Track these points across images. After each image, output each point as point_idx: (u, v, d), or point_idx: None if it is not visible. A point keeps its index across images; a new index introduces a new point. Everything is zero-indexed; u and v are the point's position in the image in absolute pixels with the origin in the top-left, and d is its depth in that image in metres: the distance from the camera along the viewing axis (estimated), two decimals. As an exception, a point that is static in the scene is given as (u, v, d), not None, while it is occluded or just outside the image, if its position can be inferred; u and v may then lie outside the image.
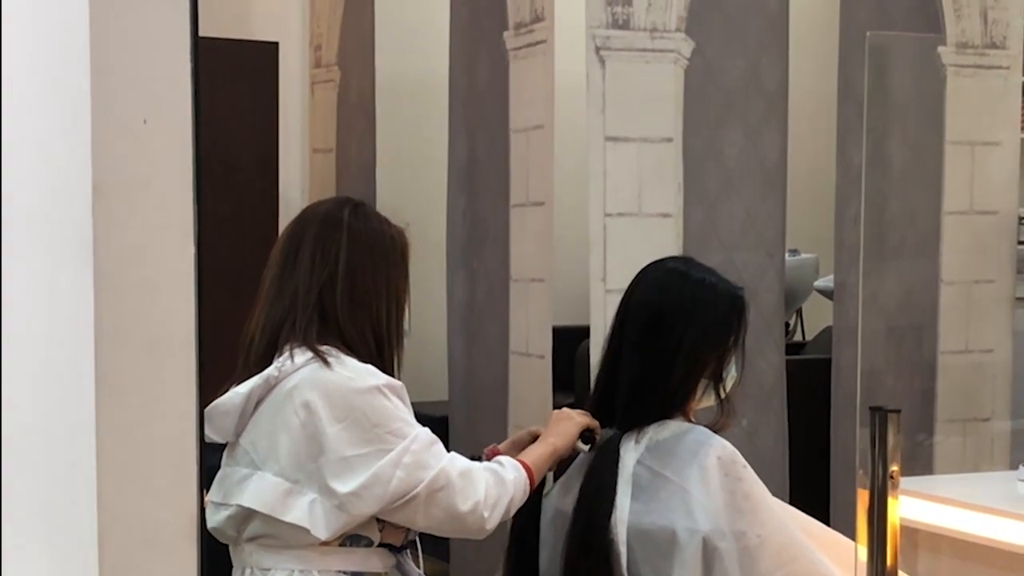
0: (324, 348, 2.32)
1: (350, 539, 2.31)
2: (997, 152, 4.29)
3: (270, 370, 2.31)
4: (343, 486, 2.24)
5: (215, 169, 4.52)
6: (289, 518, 2.27)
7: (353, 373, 2.29)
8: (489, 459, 2.56)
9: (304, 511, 2.26)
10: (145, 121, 1.46)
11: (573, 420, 2.54)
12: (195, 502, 1.49)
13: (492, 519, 2.34)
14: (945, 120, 4.23)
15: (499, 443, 2.65)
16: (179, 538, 1.47)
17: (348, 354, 2.32)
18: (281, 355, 2.33)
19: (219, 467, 2.42)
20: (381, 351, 2.37)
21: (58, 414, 1.48)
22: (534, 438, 2.60)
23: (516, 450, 2.60)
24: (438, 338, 4.76)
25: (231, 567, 2.42)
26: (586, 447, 2.56)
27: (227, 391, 2.37)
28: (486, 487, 2.33)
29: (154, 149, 1.47)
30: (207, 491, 2.37)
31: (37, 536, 1.47)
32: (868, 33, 3.59)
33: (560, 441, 2.52)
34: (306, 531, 2.26)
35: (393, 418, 2.28)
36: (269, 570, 2.31)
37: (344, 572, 2.31)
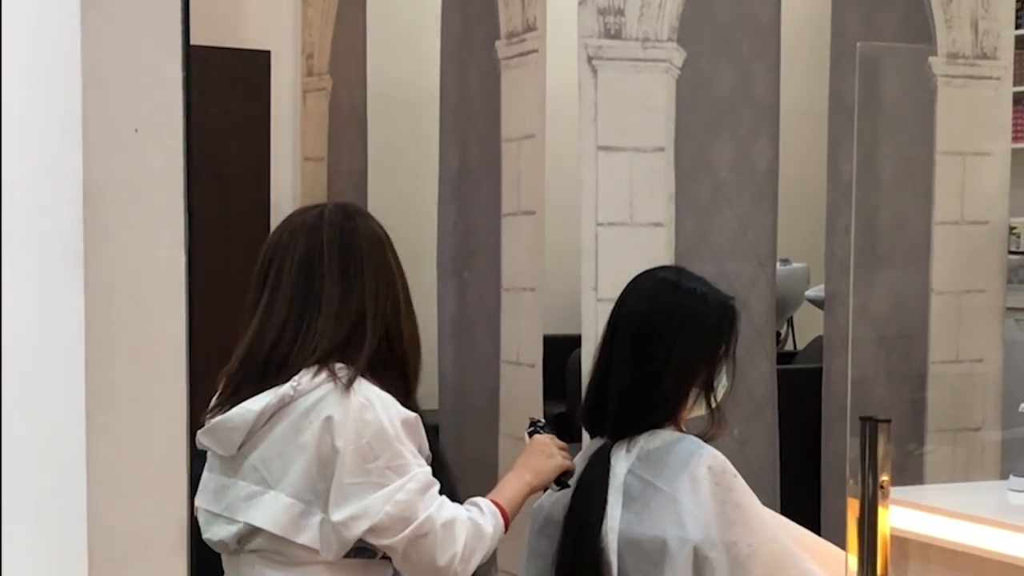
0: (340, 367, 2.30)
1: (354, 551, 2.30)
2: (988, 162, 4.29)
3: (285, 388, 2.27)
4: (335, 514, 2.24)
5: (207, 177, 4.53)
6: (302, 540, 2.26)
7: (368, 401, 2.27)
8: None
9: (315, 533, 2.26)
10: (136, 130, 1.46)
11: (553, 461, 2.55)
12: (185, 512, 1.49)
13: (466, 572, 2.34)
14: (936, 130, 4.24)
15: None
16: (169, 548, 1.47)
17: (366, 376, 2.31)
18: (301, 371, 2.30)
19: (201, 472, 2.41)
20: (415, 370, 2.45)
21: (48, 422, 1.48)
22: None
23: None
24: (428, 347, 4.75)
25: (221, 574, 2.41)
26: (558, 489, 2.57)
27: (223, 390, 2.34)
28: (465, 541, 2.32)
29: (145, 158, 1.46)
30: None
31: (27, 545, 1.47)
32: (859, 44, 3.60)
33: (537, 481, 2.53)
34: (316, 552, 2.26)
35: (396, 455, 2.26)
36: None
37: None
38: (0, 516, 1.45)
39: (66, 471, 1.45)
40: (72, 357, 1.45)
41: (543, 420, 2.69)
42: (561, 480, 2.55)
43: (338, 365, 2.29)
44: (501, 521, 2.40)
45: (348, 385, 2.26)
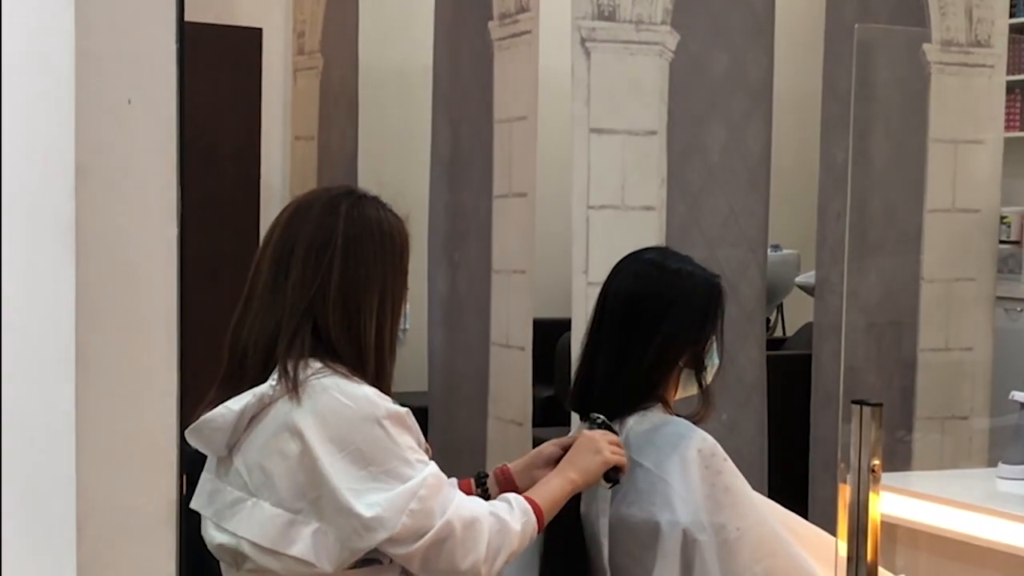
0: (319, 367, 2.16)
1: (361, 561, 2.17)
2: (980, 151, 4.30)
3: (264, 388, 2.14)
4: (367, 510, 2.09)
5: (196, 154, 4.50)
6: (294, 551, 2.12)
7: (350, 400, 2.14)
8: (497, 480, 2.45)
9: (308, 544, 2.12)
10: (130, 101, 1.44)
11: (600, 456, 2.39)
12: (174, 487, 1.48)
13: (492, 571, 2.18)
14: (929, 117, 4.24)
15: (511, 459, 2.51)
16: (157, 523, 1.46)
17: (342, 372, 2.16)
18: (275, 370, 2.15)
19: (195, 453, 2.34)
20: (381, 366, 2.22)
21: (38, 397, 1.47)
22: (560, 455, 2.44)
23: (536, 467, 2.46)
24: (419, 329, 4.75)
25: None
26: (608, 485, 2.43)
27: (216, 397, 2.24)
28: (488, 540, 2.16)
29: (138, 130, 1.45)
30: (188, 487, 2.26)
31: (15, 519, 1.46)
32: (856, 25, 3.59)
33: (581, 480, 2.38)
34: (311, 564, 2.13)
35: (390, 456, 2.12)
36: None
37: None
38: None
39: (55, 446, 1.44)
40: (62, 331, 1.44)
41: (602, 417, 2.53)
42: (611, 476, 2.41)
43: (317, 365, 2.16)
44: (534, 519, 2.24)
45: (325, 384, 2.13)
